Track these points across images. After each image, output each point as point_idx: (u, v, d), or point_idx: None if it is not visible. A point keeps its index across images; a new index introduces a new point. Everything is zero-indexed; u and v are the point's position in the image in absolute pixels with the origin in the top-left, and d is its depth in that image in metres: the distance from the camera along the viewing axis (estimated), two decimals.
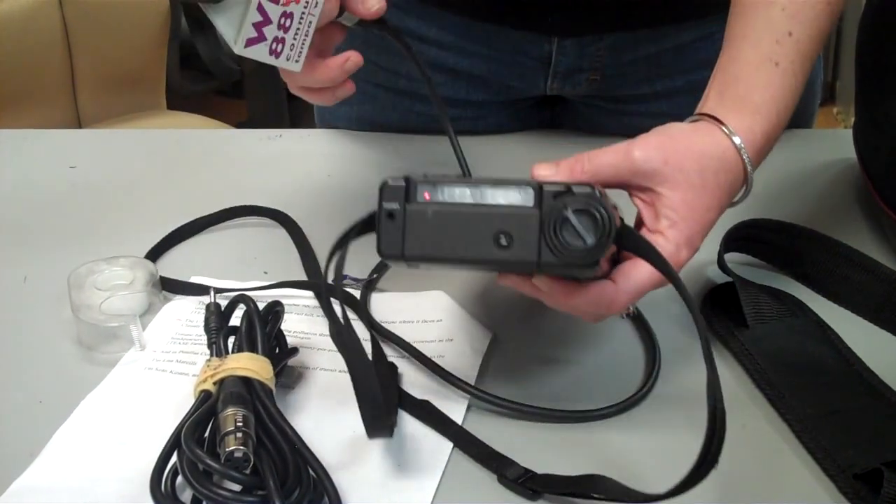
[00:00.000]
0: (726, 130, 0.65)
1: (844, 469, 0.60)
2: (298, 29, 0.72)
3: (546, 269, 0.58)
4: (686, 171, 0.63)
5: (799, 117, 1.05)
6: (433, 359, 0.69)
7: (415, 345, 0.71)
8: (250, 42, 0.71)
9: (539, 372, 0.70)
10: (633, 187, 0.65)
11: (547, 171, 0.64)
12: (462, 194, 0.56)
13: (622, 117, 1.01)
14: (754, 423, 0.66)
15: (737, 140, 0.65)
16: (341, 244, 0.61)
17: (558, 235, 0.55)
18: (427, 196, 0.56)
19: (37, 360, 0.72)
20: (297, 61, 0.74)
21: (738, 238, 0.79)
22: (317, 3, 0.72)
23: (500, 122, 1.03)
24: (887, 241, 0.83)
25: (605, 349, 0.73)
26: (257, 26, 0.71)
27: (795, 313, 0.74)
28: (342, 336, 0.61)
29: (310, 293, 0.78)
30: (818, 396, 0.66)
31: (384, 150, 1.00)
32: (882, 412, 0.65)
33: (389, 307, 0.76)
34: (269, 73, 1.97)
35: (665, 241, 0.63)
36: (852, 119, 0.90)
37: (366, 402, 0.59)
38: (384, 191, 0.57)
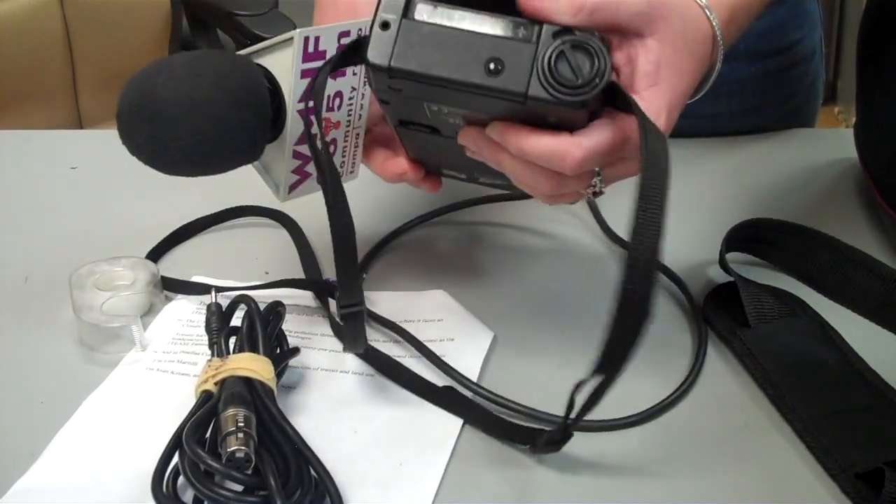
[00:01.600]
0: (700, 2, 0.62)
1: (846, 468, 0.60)
2: (345, 147, 0.68)
3: (532, 104, 0.56)
4: (673, 28, 0.60)
5: (801, 116, 1.05)
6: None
7: None
8: (293, 187, 0.68)
9: (541, 373, 0.70)
10: (624, 31, 0.59)
11: None
12: (461, 17, 0.56)
13: None
14: (756, 423, 0.66)
15: (708, 12, 0.62)
16: (325, 69, 0.60)
17: (552, 68, 0.54)
18: (425, 15, 0.56)
19: (38, 361, 0.73)
20: (351, 172, 0.70)
21: (739, 238, 0.79)
22: (360, 115, 0.68)
23: None
24: (889, 240, 0.83)
25: None
26: (298, 170, 0.68)
27: (797, 313, 0.74)
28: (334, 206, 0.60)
29: (310, 294, 0.78)
30: (820, 396, 0.66)
31: None
32: (884, 412, 0.65)
33: (389, 306, 0.76)
34: None
35: (641, 101, 0.58)
36: (854, 118, 0.90)
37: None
38: (382, 1, 0.56)
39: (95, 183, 0.96)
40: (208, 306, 0.70)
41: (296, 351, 0.70)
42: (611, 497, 0.60)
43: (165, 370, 0.71)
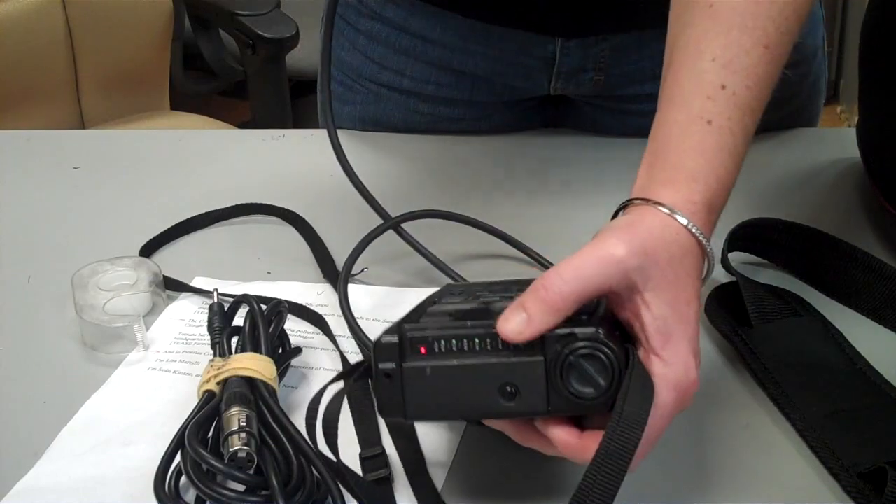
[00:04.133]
0: (666, 211, 0.56)
1: (849, 468, 0.60)
2: None
3: (558, 414, 0.54)
4: (661, 266, 0.54)
5: (803, 116, 1.05)
6: None
7: None
8: None
9: None
10: (618, 297, 0.55)
11: (516, 326, 0.53)
12: (460, 344, 0.54)
13: (625, 117, 1.01)
14: (758, 423, 0.65)
15: (682, 219, 0.56)
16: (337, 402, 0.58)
17: (566, 382, 0.53)
18: (423, 350, 0.54)
19: (41, 361, 0.73)
20: None
21: (741, 237, 0.78)
22: None
23: (503, 121, 1.03)
24: (891, 239, 0.83)
25: None
26: None
27: (799, 313, 0.74)
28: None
29: (313, 292, 0.78)
30: (822, 396, 0.66)
31: (387, 150, 1.01)
32: (886, 411, 0.65)
33: (389, 301, 0.76)
34: (273, 74, 1.98)
35: (663, 364, 0.54)
36: (856, 118, 0.90)
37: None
38: (378, 350, 0.54)
39: (98, 183, 0.96)
40: (210, 306, 0.70)
41: (298, 351, 0.70)
42: None
43: (168, 370, 0.71)
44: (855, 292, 0.75)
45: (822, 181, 0.94)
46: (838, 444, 0.62)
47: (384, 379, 0.54)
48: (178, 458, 0.59)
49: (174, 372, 0.70)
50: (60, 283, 0.77)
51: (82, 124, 1.89)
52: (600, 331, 0.53)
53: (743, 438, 0.64)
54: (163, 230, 0.86)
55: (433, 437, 0.64)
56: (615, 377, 0.52)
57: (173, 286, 0.79)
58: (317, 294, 0.78)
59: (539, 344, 0.53)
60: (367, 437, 0.63)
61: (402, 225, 0.80)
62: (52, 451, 0.64)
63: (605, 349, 0.52)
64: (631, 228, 0.55)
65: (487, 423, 0.58)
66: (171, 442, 0.60)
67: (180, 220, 0.87)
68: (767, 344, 0.70)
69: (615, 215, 0.60)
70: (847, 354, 0.70)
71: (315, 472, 0.59)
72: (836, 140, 1.02)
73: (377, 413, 0.56)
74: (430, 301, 0.61)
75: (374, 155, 0.99)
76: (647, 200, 0.57)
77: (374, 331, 0.72)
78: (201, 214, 0.88)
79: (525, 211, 0.89)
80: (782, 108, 1.02)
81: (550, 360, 0.53)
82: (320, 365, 0.71)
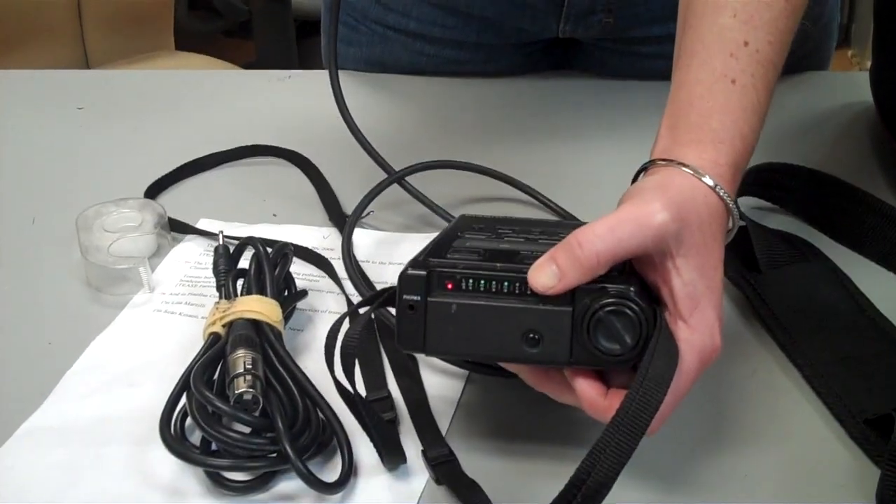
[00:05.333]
0: (690, 171, 0.55)
1: (855, 414, 0.60)
2: None
3: (579, 366, 0.54)
4: (693, 230, 0.53)
5: (815, 59, 1.04)
6: None
7: None
8: None
9: None
10: (648, 259, 0.54)
11: (547, 280, 0.52)
12: (488, 285, 0.53)
13: (634, 59, 1.00)
14: (765, 368, 0.65)
15: (709, 181, 0.55)
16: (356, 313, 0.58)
17: (591, 336, 0.52)
18: (450, 286, 0.53)
19: (46, 302, 0.73)
20: None
21: (751, 182, 0.78)
22: None
23: (510, 64, 1.02)
24: None
25: None
26: None
27: (808, 258, 0.73)
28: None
29: (319, 235, 0.78)
30: (830, 342, 0.65)
31: (393, 91, 1.00)
32: (894, 358, 0.65)
33: (391, 245, 0.76)
34: (278, 14, 1.96)
35: (690, 330, 0.53)
36: (867, 62, 0.89)
37: (378, 432, 0.58)
38: (404, 281, 0.53)
39: (102, 123, 0.96)
40: (216, 248, 0.69)
41: (304, 294, 0.69)
42: None
43: (173, 312, 0.71)
44: (864, 238, 0.75)
45: (832, 125, 0.93)
46: (845, 390, 0.62)
47: (407, 311, 0.54)
48: (183, 400, 0.59)
49: (179, 314, 0.70)
50: (65, 225, 0.77)
51: (86, 64, 1.88)
52: (632, 289, 0.52)
53: (750, 384, 0.64)
54: (168, 171, 0.85)
55: (437, 384, 0.64)
56: (642, 336, 0.52)
57: (178, 228, 0.78)
58: (322, 237, 0.78)
59: (569, 295, 0.52)
60: (373, 380, 0.63)
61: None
62: (58, 391, 0.64)
63: (635, 307, 0.52)
64: (666, 191, 0.54)
65: (503, 365, 0.58)
66: (177, 384, 0.60)
67: (185, 161, 0.87)
68: (776, 289, 0.70)
69: (636, 176, 0.59)
70: (856, 301, 0.69)
71: (320, 414, 0.59)
72: (847, 84, 1.01)
73: (395, 343, 0.55)
74: (450, 234, 0.60)
75: (377, 97, 0.99)
76: (671, 161, 0.56)
77: (376, 273, 0.73)
78: (206, 156, 0.88)
79: (532, 153, 0.89)
80: (794, 52, 1.01)
81: (578, 312, 0.52)
82: (326, 308, 0.71)
